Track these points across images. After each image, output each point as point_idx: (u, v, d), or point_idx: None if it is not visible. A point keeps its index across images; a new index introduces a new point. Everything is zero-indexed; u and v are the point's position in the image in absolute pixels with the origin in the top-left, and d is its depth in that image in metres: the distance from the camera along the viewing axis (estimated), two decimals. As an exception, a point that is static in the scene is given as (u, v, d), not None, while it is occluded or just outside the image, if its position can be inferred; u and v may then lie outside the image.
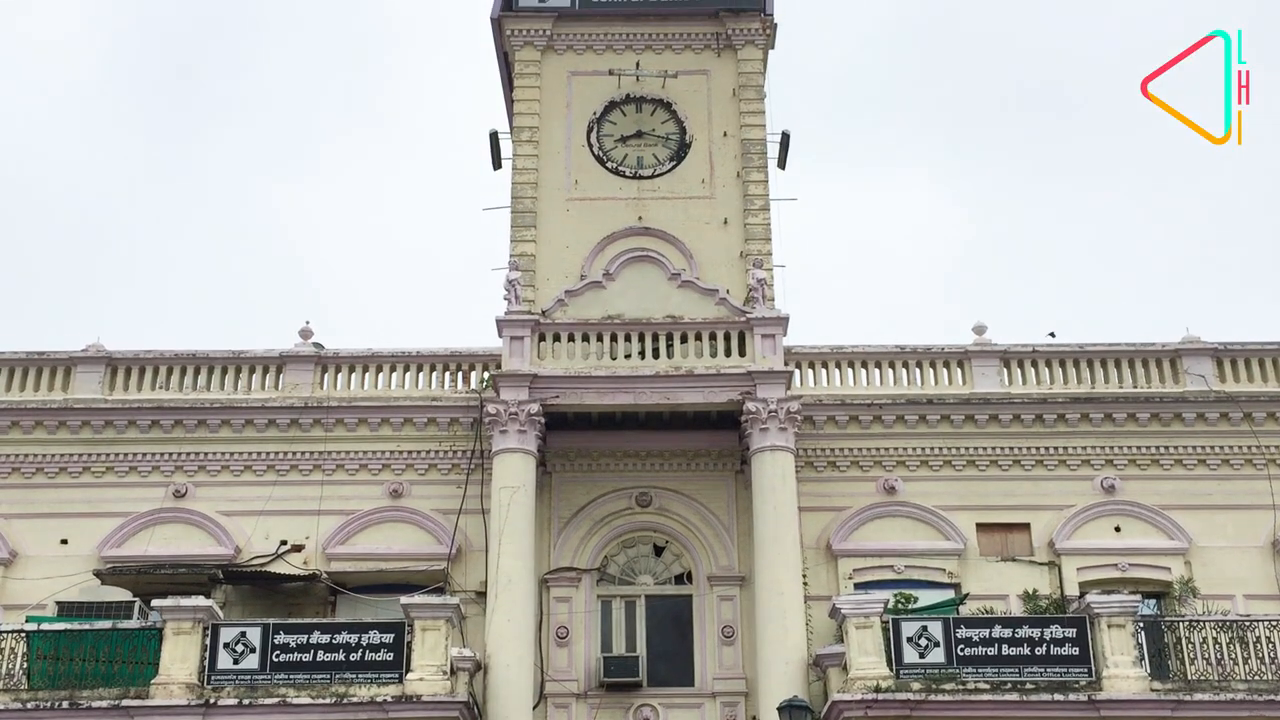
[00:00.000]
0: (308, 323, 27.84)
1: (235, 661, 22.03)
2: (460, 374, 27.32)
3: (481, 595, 24.57)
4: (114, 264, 67.55)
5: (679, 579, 25.93)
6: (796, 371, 26.43)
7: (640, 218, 29.21)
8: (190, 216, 69.05)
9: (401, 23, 73.20)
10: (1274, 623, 22.71)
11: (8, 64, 70.08)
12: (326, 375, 27.22)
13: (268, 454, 26.46)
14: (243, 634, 22.25)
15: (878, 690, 21.84)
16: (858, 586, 25.14)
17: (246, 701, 21.68)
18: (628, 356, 25.81)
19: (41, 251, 67.69)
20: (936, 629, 22.46)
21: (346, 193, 70.08)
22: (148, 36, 75.35)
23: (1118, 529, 26.03)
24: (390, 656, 22.07)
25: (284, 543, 25.70)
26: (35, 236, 67.87)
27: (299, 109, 73.46)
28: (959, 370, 27.26)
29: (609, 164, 29.91)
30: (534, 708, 24.02)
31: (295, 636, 22.20)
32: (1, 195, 65.52)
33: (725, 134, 30.15)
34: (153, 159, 71.53)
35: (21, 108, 69.95)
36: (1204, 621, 22.93)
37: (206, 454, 26.44)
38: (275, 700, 21.66)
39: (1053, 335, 28.61)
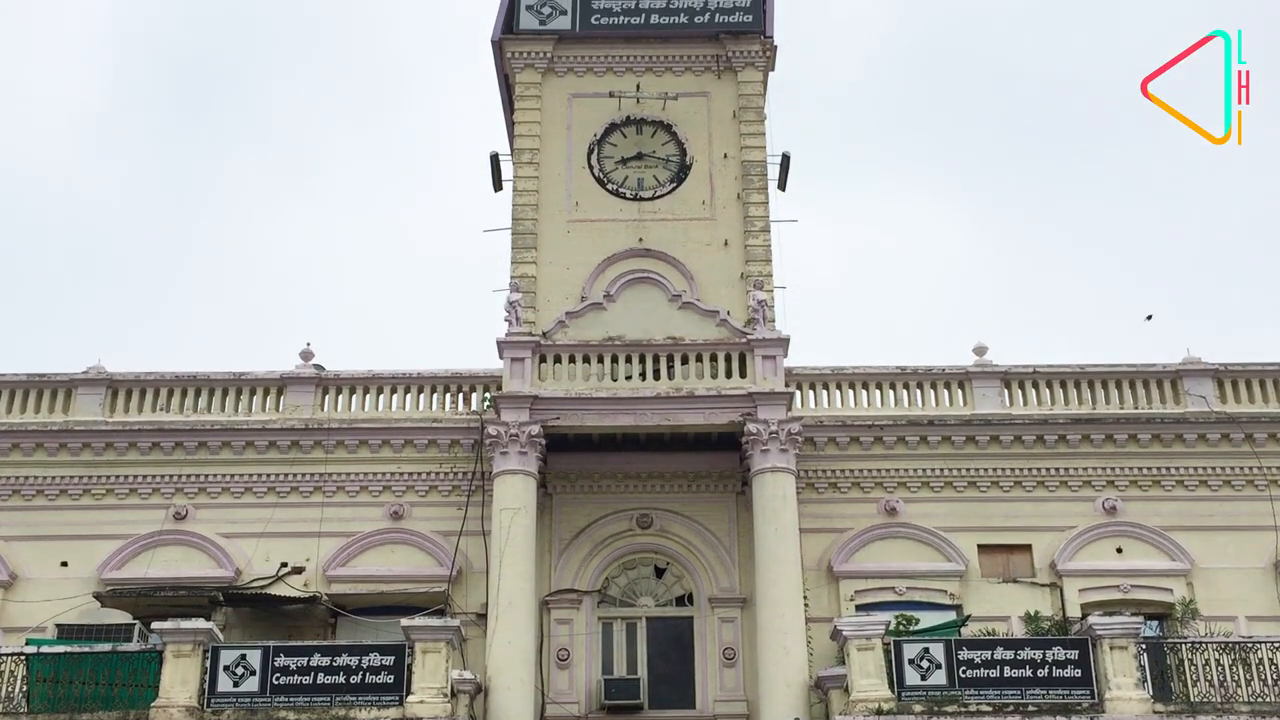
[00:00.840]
0: (309, 344, 27.91)
1: (235, 684, 21.94)
2: (461, 395, 27.31)
3: (482, 617, 24.51)
4: (115, 285, 67.69)
5: (680, 601, 25.89)
6: (797, 393, 26.44)
7: (641, 239, 29.23)
8: (191, 238, 69.26)
9: (403, 45, 73.56)
10: (1277, 644, 22.63)
11: (10, 84, 70.35)
12: (327, 397, 27.22)
13: (268, 476, 26.45)
14: (243, 656, 22.17)
15: (879, 712, 21.80)
16: (859, 608, 25.12)
17: (247, 724, 21.64)
18: (628, 378, 25.82)
19: (42, 273, 67.90)
20: (938, 651, 22.38)
21: (348, 214, 70.28)
22: (152, 57, 75.73)
23: (1119, 550, 26.02)
24: (391, 679, 21.97)
25: (284, 565, 25.68)
26: (36, 258, 68.10)
27: (301, 130, 73.73)
28: (960, 391, 27.28)
29: (609, 185, 29.94)
30: (535, 730, 23.99)
31: (295, 659, 22.12)
32: (2, 216, 65.71)
33: (725, 156, 30.19)
34: (154, 180, 71.81)
35: (22, 129, 70.26)
36: (1206, 643, 22.88)
37: (207, 476, 26.43)
38: (275, 723, 21.61)
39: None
